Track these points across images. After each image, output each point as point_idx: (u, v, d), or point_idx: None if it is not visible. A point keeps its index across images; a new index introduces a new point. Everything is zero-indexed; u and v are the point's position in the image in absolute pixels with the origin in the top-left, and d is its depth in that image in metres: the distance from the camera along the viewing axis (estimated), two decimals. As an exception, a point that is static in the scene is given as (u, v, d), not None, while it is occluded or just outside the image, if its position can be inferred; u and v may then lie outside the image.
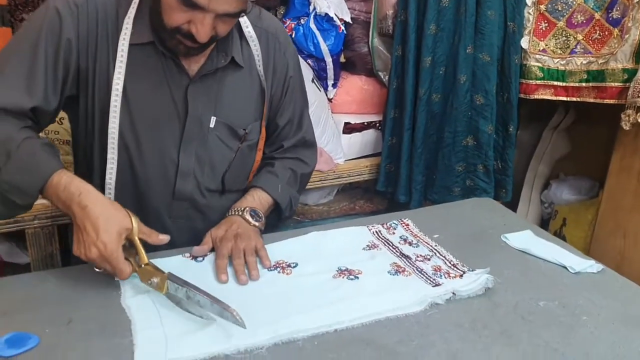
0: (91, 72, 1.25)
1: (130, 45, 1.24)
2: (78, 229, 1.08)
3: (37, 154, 1.13)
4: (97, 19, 1.23)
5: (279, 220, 1.49)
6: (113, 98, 1.24)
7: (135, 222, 1.11)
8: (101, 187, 1.27)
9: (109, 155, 1.27)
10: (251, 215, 1.32)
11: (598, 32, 1.87)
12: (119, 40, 1.23)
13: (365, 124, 2.35)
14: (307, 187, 2.22)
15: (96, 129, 1.29)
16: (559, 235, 2.27)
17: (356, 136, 2.35)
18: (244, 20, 1.34)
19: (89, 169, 1.33)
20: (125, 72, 1.24)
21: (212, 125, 1.32)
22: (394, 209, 2.28)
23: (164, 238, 1.16)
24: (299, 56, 2.19)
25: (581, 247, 1.98)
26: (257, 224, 1.32)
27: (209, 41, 1.19)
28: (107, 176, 1.28)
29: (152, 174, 1.31)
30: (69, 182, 1.11)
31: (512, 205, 2.28)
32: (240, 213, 1.32)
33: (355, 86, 2.35)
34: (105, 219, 1.07)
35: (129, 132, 1.27)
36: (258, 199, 1.39)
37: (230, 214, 1.34)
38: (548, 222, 2.43)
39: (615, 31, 1.83)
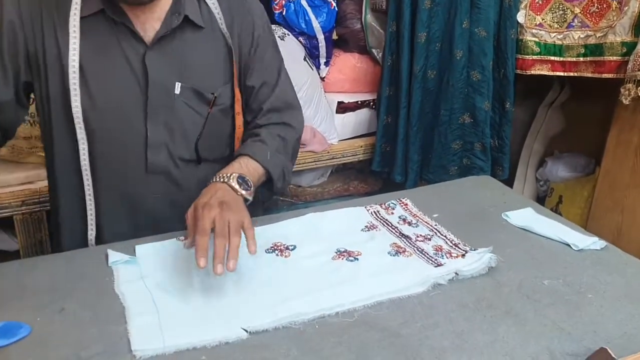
0: (41, 55, 1.21)
1: (81, 19, 1.19)
2: None
3: None
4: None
5: (271, 193, 1.36)
6: (71, 77, 1.20)
7: None
8: (60, 172, 1.28)
9: (78, 136, 1.23)
10: (238, 182, 1.16)
11: (596, 4, 1.84)
12: (70, 16, 1.19)
13: (359, 102, 2.32)
14: (300, 168, 2.21)
15: (53, 113, 1.24)
16: (555, 212, 2.25)
17: (350, 116, 2.32)
18: None
19: (50, 152, 1.30)
20: (80, 48, 1.20)
21: (177, 91, 1.26)
22: (388, 189, 2.25)
23: None
24: (291, 34, 2.16)
25: (578, 224, 1.97)
26: (244, 192, 1.16)
27: None
28: (81, 157, 1.25)
29: (123, 150, 1.27)
30: None
31: (507, 183, 2.27)
32: (225, 179, 1.17)
33: (348, 64, 2.32)
34: None
35: (92, 110, 1.23)
36: (246, 167, 1.24)
37: (214, 180, 1.18)
38: (544, 200, 2.42)
39: (614, 4, 1.79)
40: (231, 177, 1.17)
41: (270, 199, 1.39)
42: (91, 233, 1.30)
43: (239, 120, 1.37)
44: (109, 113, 1.24)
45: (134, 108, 1.25)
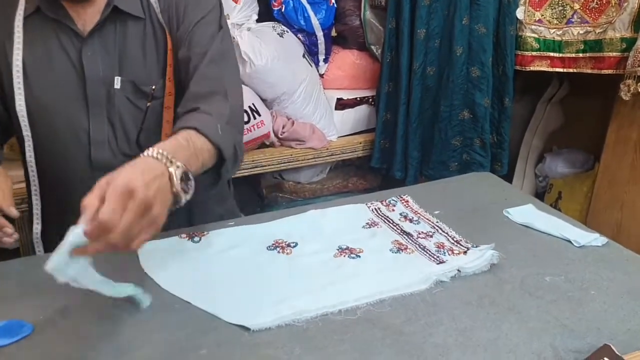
0: None
1: (24, 19, 1.21)
2: None
3: None
4: None
5: (219, 177, 1.13)
6: (15, 76, 1.21)
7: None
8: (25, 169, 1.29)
9: (24, 133, 1.25)
10: (182, 178, 0.89)
11: (595, 0, 1.84)
12: (15, 17, 1.21)
13: (358, 99, 2.32)
14: (299, 165, 2.21)
15: (9, 112, 1.27)
16: (555, 208, 2.25)
17: (349, 112, 2.32)
18: None
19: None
20: (23, 47, 1.21)
21: (117, 85, 1.25)
22: (387, 185, 2.25)
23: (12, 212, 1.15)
24: (290, 31, 2.16)
25: (577, 220, 1.99)
26: (182, 196, 0.89)
27: None
28: (27, 154, 1.26)
29: (67, 146, 1.26)
30: None
31: (506, 179, 2.27)
32: (168, 164, 0.88)
33: (347, 61, 2.31)
34: None
35: (35, 108, 1.24)
36: (193, 147, 0.98)
37: (153, 154, 0.89)
38: (543, 196, 2.42)
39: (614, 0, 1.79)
40: (176, 165, 0.89)
41: (216, 185, 1.16)
42: (36, 227, 1.31)
43: (168, 115, 1.27)
44: (52, 110, 1.24)
45: (76, 104, 1.24)
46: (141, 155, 0.90)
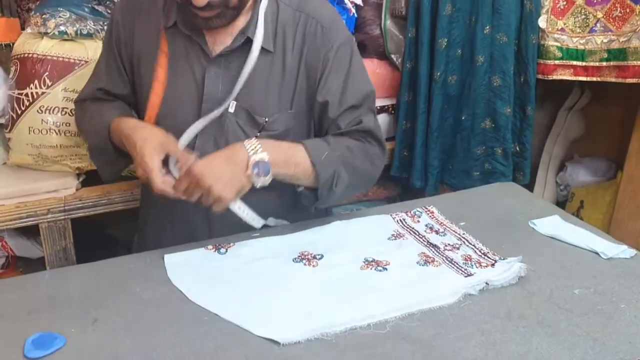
0: (133, 61, 1.33)
1: (166, 30, 1.28)
2: (132, 157, 1.20)
3: (101, 112, 1.32)
4: (142, 9, 1.31)
5: (314, 198, 1.26)
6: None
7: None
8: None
9: None
10: (257, 165, 1.13)
11: (619, 9, 1.82)
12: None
13: (378, 108, 2.31)
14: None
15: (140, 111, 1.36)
16: (577, 217, 2.23)
17: (369, 121, 2.31)
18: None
19: None
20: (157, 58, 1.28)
21: (231, 109, 1.27)
22: (407, 194, 2.25)
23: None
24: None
25: (599, 229, 1.97)
26: (255, 179, 1.14)
27: (212, 5, 1.15)
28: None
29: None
30: (118, 123, 1.25)
31: (527, 188, 2.25)
32: (250, 152, 1.14)
33: (367, 70, 2.31)
34: (142, 139, 1.17)
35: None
36: (290, 153, 1.19)
37: (242, 144, 1.16)
38: (564, 205, 2.40)
39: (638, 8, 1.77)
40: (257, 153, 1.14)
41: (313, 204, 1.28)
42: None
43: None
44: (166, 121, 1.28)
45: (188, 119, 1.27)
46: (239, 142, 1.17)
